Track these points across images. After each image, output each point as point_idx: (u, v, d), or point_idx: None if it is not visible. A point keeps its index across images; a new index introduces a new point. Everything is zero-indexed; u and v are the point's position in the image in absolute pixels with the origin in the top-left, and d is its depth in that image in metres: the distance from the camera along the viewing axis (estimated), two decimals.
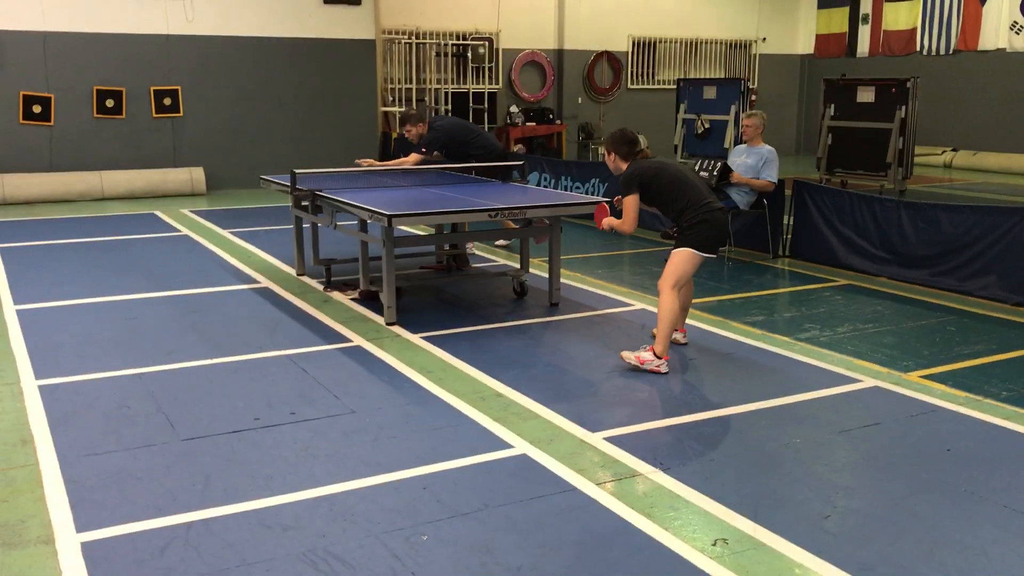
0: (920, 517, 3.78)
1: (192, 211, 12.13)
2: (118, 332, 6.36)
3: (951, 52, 17.98)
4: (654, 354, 5.58)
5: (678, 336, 6.21)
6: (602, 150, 5.84)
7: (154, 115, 14.00)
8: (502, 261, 8.91)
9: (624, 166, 5.97)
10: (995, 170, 17.40)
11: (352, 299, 7.28)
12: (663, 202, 5.90)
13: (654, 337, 5.77)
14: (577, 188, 11.75)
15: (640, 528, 3.64)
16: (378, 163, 9.48)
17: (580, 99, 18.71)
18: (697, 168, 8.94)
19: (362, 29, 15.28)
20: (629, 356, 5.65)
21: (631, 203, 5.85)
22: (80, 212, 12.04)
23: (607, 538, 3.57)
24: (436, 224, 8.23)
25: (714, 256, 5.89)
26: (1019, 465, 4.29)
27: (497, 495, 3.91)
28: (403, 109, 14.72)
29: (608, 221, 6.02)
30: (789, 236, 9.25)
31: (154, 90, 13.94)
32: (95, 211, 12.17)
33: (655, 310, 7.08)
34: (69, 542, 3.49)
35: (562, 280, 7.44)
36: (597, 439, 4.53)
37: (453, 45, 17.28)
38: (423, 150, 8.62)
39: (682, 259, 5.75)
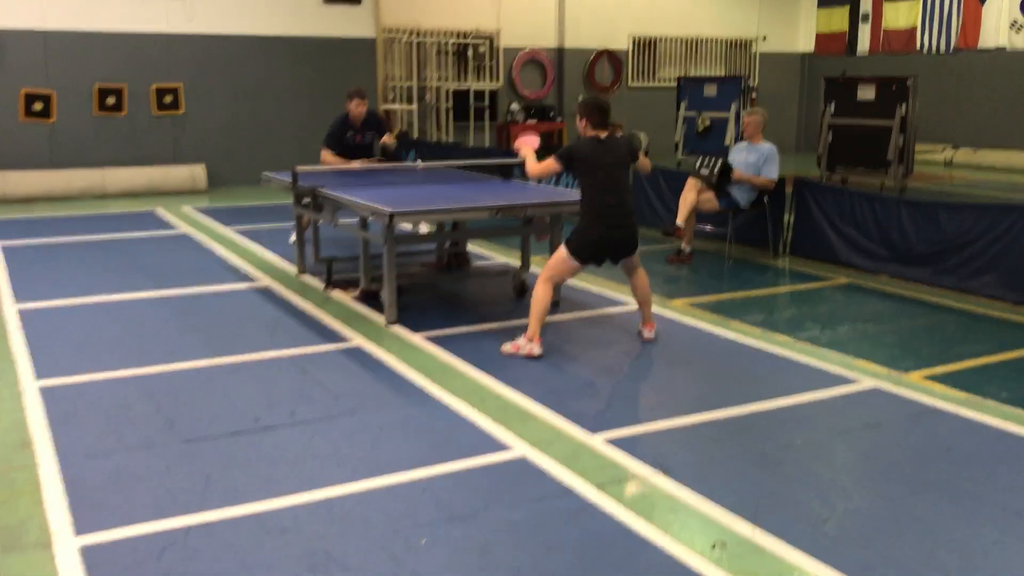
0: (920, 517, 3.78)
1: (193, 208, 12.13)
2: (118, 332, 6.35)
3: (951, 51, 17.95)
4: (526, 339, 5.81)
5: (645, 331, 6.25)
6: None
7: (155, 112, 14.00)
8: (502, 260, 8.90)
9: (590, 134, 5.96)
10: (996, 167, 17.37)
11: (353, 298, 7.27)
12: (580, 189, 5.98)
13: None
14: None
15: (639, 530, 3.64)
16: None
17: (581, 97, 18.67)
18: (698, 166, 8.93)
19: (363, 27, 15.26)
20: (507, 347, 5.87)
21: (548, 163, 5.98)
22: (81, 209, 12.04)
23: (606, 540, 3.56)
24: (437, 222, 8.22)
25: (586, 265, 5.97)
26: (1019, 465, 4.29)
27: (496, 497, 3.91)
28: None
29: (524, 151, 6.21)
30: (789, 234, 9.24)
31: (155, 88, 13.93)
32: (96, 208, 12.17)
33: (655, 308, 7.08)
34: (68, 545, 3.49)
35: None
36: (597, 441, 4.53)
37: (454, 43, 17.27)
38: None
39: (557, 256, 5.95)
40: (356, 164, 9.01)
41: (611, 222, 5.88)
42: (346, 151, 9.12)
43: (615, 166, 5.93)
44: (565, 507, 3.83)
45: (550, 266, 5.95)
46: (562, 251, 5.91)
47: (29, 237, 9.95)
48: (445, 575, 3.31)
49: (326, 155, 9.08)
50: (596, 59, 18.70)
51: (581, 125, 6.03)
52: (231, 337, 6.25)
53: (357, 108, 9.06)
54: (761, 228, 9.21)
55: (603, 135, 5.95)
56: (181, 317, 6.76)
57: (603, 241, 5.89)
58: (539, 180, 6.15)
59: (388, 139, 9.32)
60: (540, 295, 5.86)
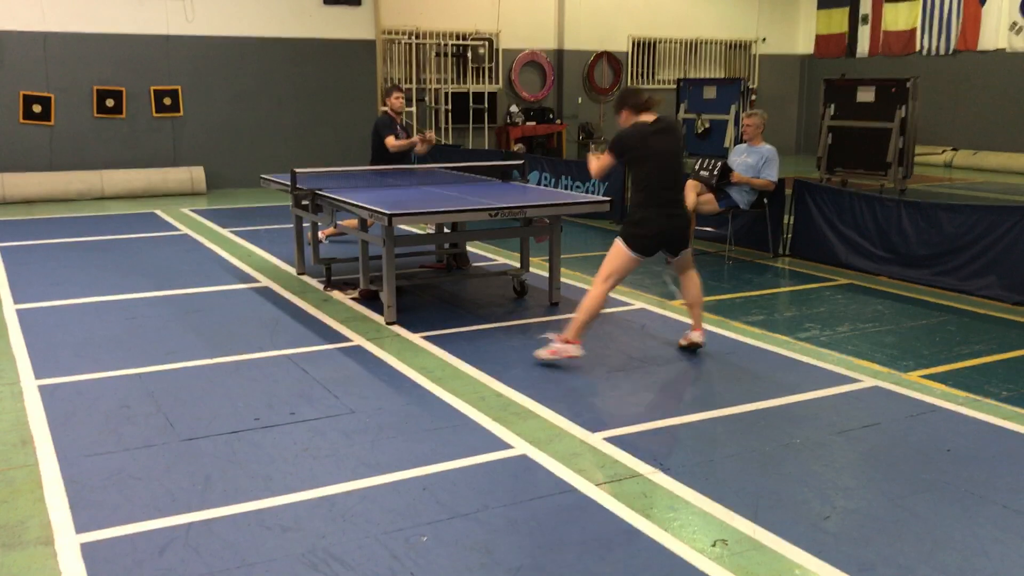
0: (920, 517, 3.78)
1: (192, 210, 12.13)
2: (118, 332, 6.35)
3: (951, 52, 17.96)
4: (563, 342, 5.59)
5: (695, 336, 5.98)
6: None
7: (154, 114, 14.00)
8: (502, 260, 8.90)
9: (636, 120, 5.70)
10: (995, 169, 17.39)
11: (352, 298, 7.27)
12: (632, 178, 5.78)
13: (688, 348, 5.92)
14: (577, 188, 11.74)
15: (640, 529, 3.64)
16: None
17: (580, 99, 18.70)
18: (697, 168, 8.93)
19: (362, 29, 15.27)
20: (543, 354, 5.65)
21: (603, 158, 5.81)
22: (80, 211, 12.04)
23: (607, 539, 3.56)
24: (436, 223, 8.23)
25: (645, 257, 5.71)
26: (1019, 465, 4.29)
27: (497, 496, 3.91)
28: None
29: (590, 158, 6.01)
30: (789, 235, 9.25)
31: (154, 90, 13.94)
32: (95, 210, 12.17)
33: (654, 309, 7.10)
34: (68, 543, 3.49)
35: (562, 279, 7.44)
36: (597, 439, 4.53)
37: (453, 45, 17.28)
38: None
39: (612, 252, 5.69)
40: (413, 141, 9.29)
41: (669, 211, 5.62)
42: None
43: (669, 153, 5.64)
44: (565, 505, 3.83)
45: (608, 265, 5.64)
46: (619, 246, 5.63)
47: (29, 238, 9.95)
48: (446, 573, 3.31)
49: (392, 140, 9.19)
50: (595, 61, 18.71)
51: (623, 118, 5.75)
52: (231, 337, 6.25)
53: (398, 100, 9.34)
54: (761, 230, 9.22)
55: (651, 118, 5.65)
56: (181, 317, 6.76)
57: (663, 232, 5.64)
58: (603, 179, 5.94)
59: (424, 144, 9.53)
60: (596, 296, 5.61)
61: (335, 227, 8.27)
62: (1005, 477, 4.15)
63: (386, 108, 9.46)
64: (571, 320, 5.71)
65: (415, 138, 9.37)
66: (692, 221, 8.92)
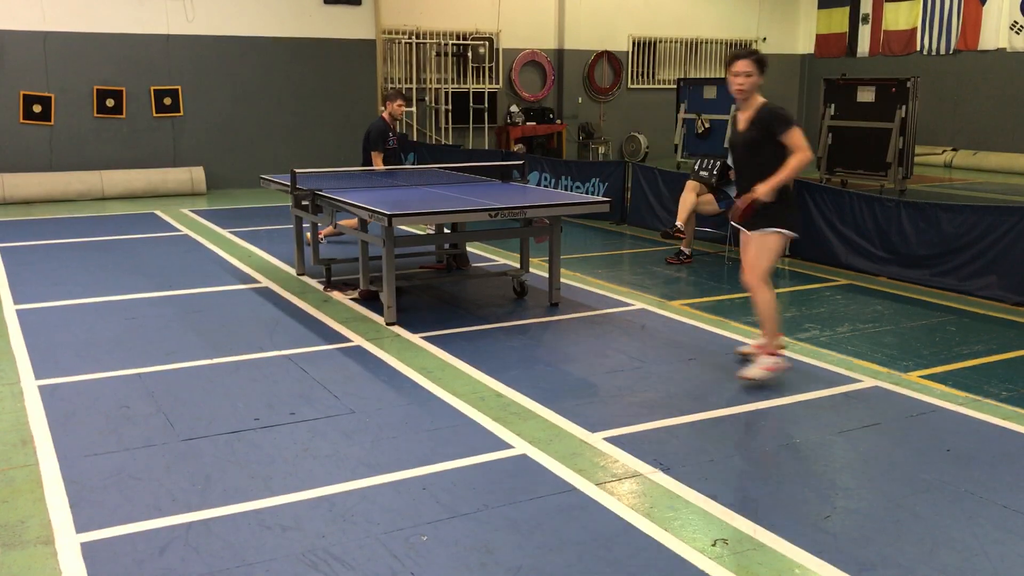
0: (920, 517, 3.78)
1: (192, 211, 12.13)
2: (118, 332, 6.36)
3: (951, 52, 17.96)
4: (768, 355, 5.22)
5: (754, 347, 5.60)
6: (741, 68, 5.15)
7: (154, 115, 14.00)
8: (502, 261, 8.90)
9: (758, 99, 5.29)
10: (995, 170, 17.39)
11: (352, 299, 7.28)
12: (778, 159, 5.17)
13: (743, 357, 5.65)
14: (577, 188, 11.75)
15: (640, 528, 3.64)
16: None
17: (580, 99, 18.70)
18: (697, 168, 8.94)
19: (362, 29, 15.27)
20: (754, 373, 5.24)
21: (798, 135, 5.16)
22: (80, 212, 12.04)
23: (607, 538, 3.56)
24: (436, 224, 8.23)
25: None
26: (1019, 465, 4.29)
27: (497, 495, 3.91)
28: None
29: (764, 190, 5.16)
30: None
31: (154, 90, 13.94)
32: (95, 211, 12.17)
33: (654, 309, 7.10)
34: (69, 542, 3.49)
35: (562, 280, 7.44)
36: (597, 439, 4.53)
37: (453, 45, 17.28)
38: None
39: (769, 247, 5.30)
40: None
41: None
42: (388, 155, 9.27)
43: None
44: (565, 505, 3.83)
45: (768, 260, 5.34)
46: (780, 236, 5.31)
47: (29, 239, 9.95)
48: (446, 573, 3.32)
49: (377, 159, 9.21)
50: (596, 60, 18.72)
51: (749, 82, 5.24)
52: (231, 337, 6.25)
53: (400, 108, 9.27)
54: None
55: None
56: (181, 317, 6.76)
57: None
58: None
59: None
60: (766, 297, 5.33)
61: (334, 227, 8.27)
62: (1005, 477, 4.15)
63: (384, 111, 9.42)
64: (762, 333, 5.46)
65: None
66: (692, 222, 8.94)
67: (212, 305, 7.15)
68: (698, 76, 19.51)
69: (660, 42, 19.65)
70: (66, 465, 4.18)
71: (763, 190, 5.14)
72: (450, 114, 17.27)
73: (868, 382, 5.44)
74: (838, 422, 4.81)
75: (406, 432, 4.61)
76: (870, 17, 19.44)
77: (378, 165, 9.18)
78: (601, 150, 18.26)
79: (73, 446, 4.39)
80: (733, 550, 3.48)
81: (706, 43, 20.18)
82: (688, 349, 6.11)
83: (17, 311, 6.86)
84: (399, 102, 9.31)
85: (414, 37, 16.90)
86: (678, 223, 8.76)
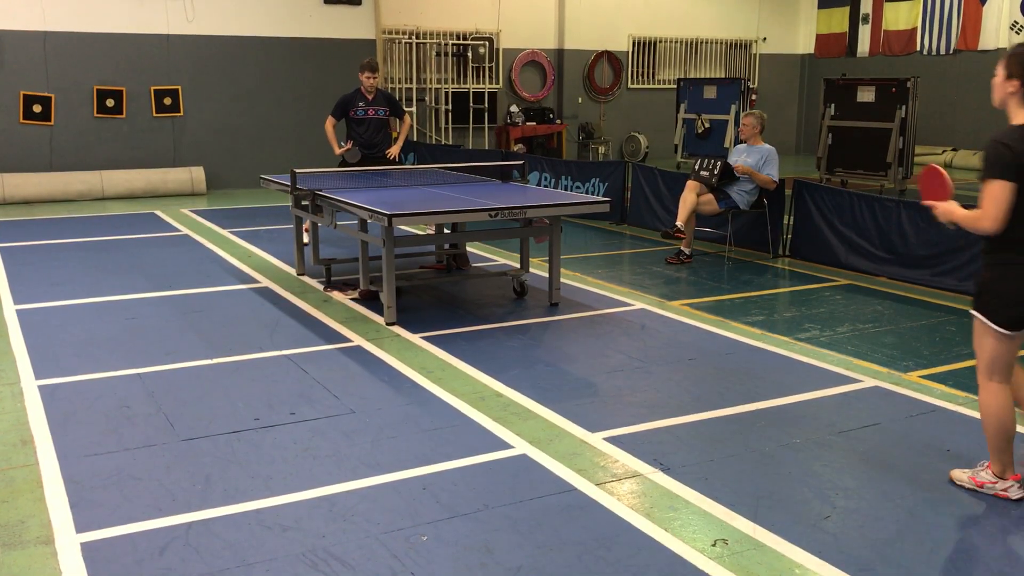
0: (920, 517, 3.78)
1: (192, 211, 12.13)
2: (118, 332, 6.36)
3: (951, 52, 17.97)
4: (992, 473, 3.95)
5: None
6: (1000, 72, 3.96)
7: (154, 115, 14.00)
8: (502, 261, 8.91)
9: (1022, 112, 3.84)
10: None
11: (352, 299, 7.28)
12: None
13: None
14: (577, 188, 11.75)
15: (640, 528, 3.64)
16: None
17: (580, 99, 18.70)
18: (697, 168, 8.94)
19: (362, 29, 15.28)
20: (961, 476, 4.05)
21: (998, 193, 3.77)
22: (80, 212, 12.04)
23: (607, 538, 3.57)
24: (436, 224, 8.23)
25: (1014, 333, 3.78)
26: (1019, 465, 4.29)
27: (497, 495, 3.91)
28: None
29: (949, 211, 3.92)
30: (789, 236, 9.25)
31: (154, 90, 13.94)
32: (95, 211, 12.17)
33: (654, 309, 7.10)
34: (69, 542, 3.49)
35: (562, 280, 7.44)
36: (597, 439, 4.53)
37: (453, 45, 17.28)
38: None
39: (978, 334, 3.87)
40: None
41: None
42: (359, 124, 9.28)
43: None
44: (565, 505, 3.83)
45: (978, 357, 3.89)
46: (977, 323, 3.85)
47: (29, 239, 9.95)
48: (446, 573, 3.32)
49: (328, 124, 9.37)
50: (596, 60, 18.71)
51: (1013, 85, 3.99)
52: (231, 337, 6.25)
53: (368, 80, 9.28)
54: (761, 230, 9.22)
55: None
56: (181, 317, 6.76)
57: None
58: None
59: (394, 150, 9.44)
60: (988, 403, 3.87)
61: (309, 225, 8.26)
62: None
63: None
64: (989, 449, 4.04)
65: (339, 147, 9.34)
66: (692, 222, 8.94)
67: (212, 305, 7.15)
68: (698, 76, 19.51)
69: (660, 42, 19.65)
70: (66, 465, 4.18)
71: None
72: (450, 114, 17.27)
73: (868, 382, 5.44)
74: (838, 422, 4.81)
75: (406, 432, 4.61)
76: (870, 17, 19.44)
77: (327, 129, 9.32)
78: (601, 150, 18.25)
79: (73, 446, 4.39)
80: (733, 550, 3.48)
81: (706, 43, 20.17)
82: (688, 349, 6.11)
83: (17, 311, 6.86)
84: (366, 74, 9.24)
85: (414, 37, 16.90)
86: (678, 223, 8.76)
